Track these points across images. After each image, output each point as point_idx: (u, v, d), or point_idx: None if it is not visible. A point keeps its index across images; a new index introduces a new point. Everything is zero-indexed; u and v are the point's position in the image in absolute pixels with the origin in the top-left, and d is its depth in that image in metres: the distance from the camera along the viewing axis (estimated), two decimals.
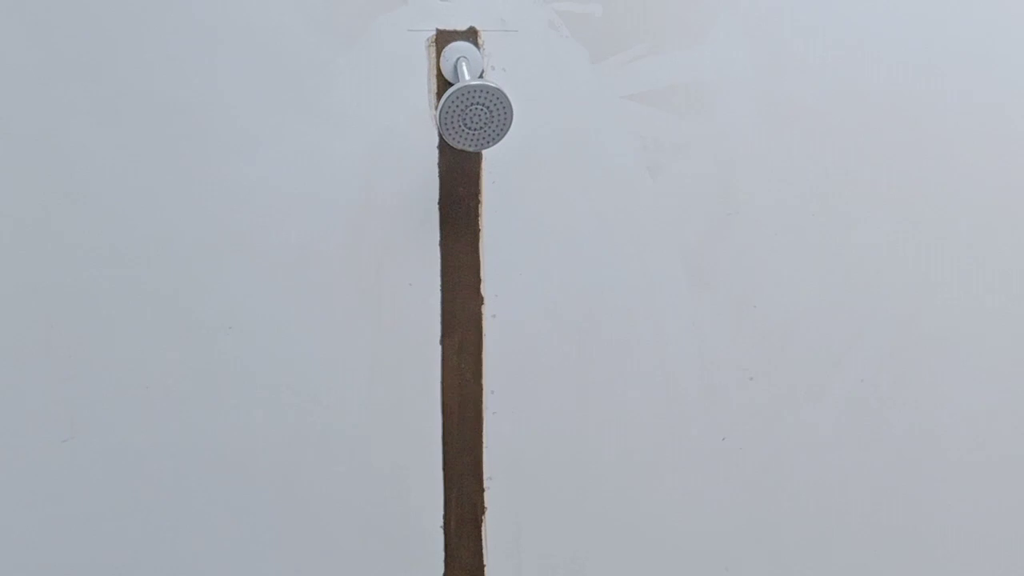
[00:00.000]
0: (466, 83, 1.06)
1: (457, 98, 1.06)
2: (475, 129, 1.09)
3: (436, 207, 1.21)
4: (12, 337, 1.17)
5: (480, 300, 1.22)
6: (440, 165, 1.20)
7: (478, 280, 1.22)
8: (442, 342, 1.22)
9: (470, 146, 1.11)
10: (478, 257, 1.22)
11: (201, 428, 1.21)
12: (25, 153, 1.14)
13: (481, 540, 1.24)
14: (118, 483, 1.20)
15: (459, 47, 1.15)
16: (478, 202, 1.21)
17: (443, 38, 1.15)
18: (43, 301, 1.17)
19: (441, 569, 1.23)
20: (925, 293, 1.26)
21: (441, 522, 1.24)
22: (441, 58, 1.16)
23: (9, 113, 1.13)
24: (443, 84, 1.16)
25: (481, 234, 1.21)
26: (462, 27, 1.15)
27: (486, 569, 1.24)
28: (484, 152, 1.20)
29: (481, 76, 1.17)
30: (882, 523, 1.28)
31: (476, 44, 1.15)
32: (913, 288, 1.26)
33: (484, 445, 1.23)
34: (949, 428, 1.28)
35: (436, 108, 1.13)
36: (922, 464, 1.28)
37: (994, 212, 1.25)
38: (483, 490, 1.24)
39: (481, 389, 1.23)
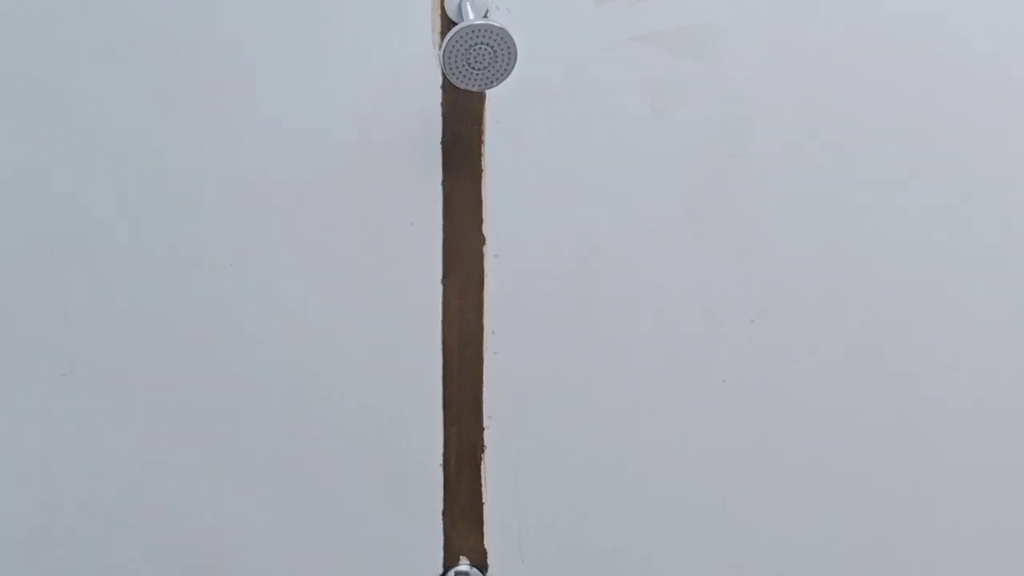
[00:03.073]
0: (470, 22, 1.05)
1: (461, 37, 1.06)
2: (479, 69, 1.09)
3: (439, 146, 1.20)
4: (10, 273, 1.17)
5: (482, 240, 1.22)
6: (443, 104, 1.19)
7: (480, 220, 1.22)
8: (443, 281, 1.22)
9: (473, 86, 1.10)
10: (480, 197, 1.21)
11: (200, 364, 1.21)
12: (21, 92, 1.13)
13: (480, 478, 1.25)
14: (119, 418, 1.21)
15: None
16: (481, 142, 1.21)
17: None
18: (42, 236, 1.17)
19: (440, 506, 1.25)
20: (929, 239, 1.26)
21: (441, 460, 1.24)
22: None
23: (4, 51, 1.12)
24: (447, 23, 1.15)
25: (484, 174, 1.21)
26: None
27: (485, 507, 1.25)
28: (487, 92, 1.19)
29: (486, 15, 1.16)
30: (880, 465, 1.29)
31: None
32: (917, 234, 1.25)
33: (484, 384, 1.24)
34: (950, 373, 1.28)
35: (440, 47, 1.12)
36: (922, 409, 1.28)
37: (1002, 161, 1.25)
38: (483, 429, 1.24)
39: (482, 329, 1.23)
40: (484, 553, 1.25)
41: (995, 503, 1.31)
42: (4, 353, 1.18)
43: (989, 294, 1.27)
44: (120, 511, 1.22)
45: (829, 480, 1.29)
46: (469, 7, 1.12)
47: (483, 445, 1.25)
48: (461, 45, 1.06)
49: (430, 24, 1.15)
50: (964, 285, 1.27)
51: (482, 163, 1.21)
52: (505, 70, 1.09)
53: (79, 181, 1.17)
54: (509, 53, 1.08)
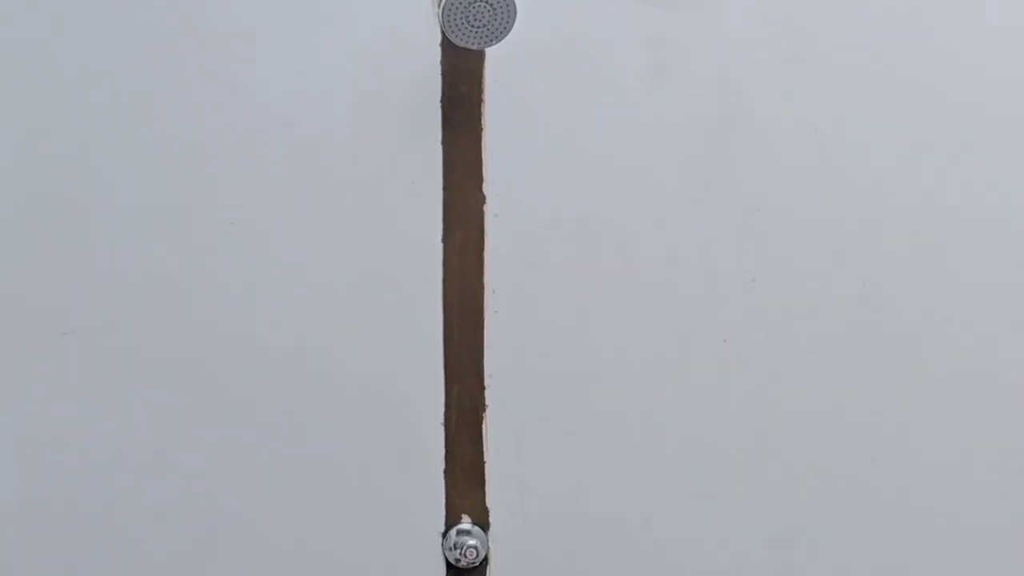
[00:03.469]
0: None
1: None
2: (478, 27, 1.08)
3: (438, 106, 1.20)
4: (12, 231, 1.17)
5: (482, 199, 1.22)
6: (443, 63, 1.19)
7: (480, 179, 1.22)
8: (444, 241, 1.22)
9: (473, 44, 1.10)
10: (480, 156, 1.21)
11: (200, 326, 1.21)
12: (17, 54, 1.13)
13: (481, 437, 1.25)
14: (119, 379, 1.21)
15: None
16: (481, 101, 1.20)
17: None
18: (42, 196, 1.17)
19: (442, 465, 1.25)
20: (931, 199, 1.25)
21: (442, 419, 1.25)
22: None
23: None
24: None
25: (483, 133, 1.21)
26: None
27: (486, 465, 1.25)
28: (487, 50, 1.19)
29: None
30: (881, 429, 1.29)
31: None
32: (919, 194, 1.25)
33: (485, 344, 1.24)
34: (951, 335, 1.28)
35: (439, 5, 1.12)
36: (923, 372, 1.28)
37: (1007, 120, 1.25)
38: (484, 388, 1.25)
39: (482, 288, 1.23)
40: (486, 512, 1.26)
41: (994, 469, 1.31)
42: (4, 312, 1.19)
43: (991, 254, 1.27)
44: (120, 471, 1.22)
45: (830, 443, 1.29)
46: None
47: (484, 404, 1.25)
48: (460, 2, 1.06)
49: None
50: (966, 245, 1.27)
51: (482, 122, 1.21)
52: (504, 28, 1.09)
53: (79, 144, 1.17)
54: (508, 10, 1.08)
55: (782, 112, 1.23)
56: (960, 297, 1.28)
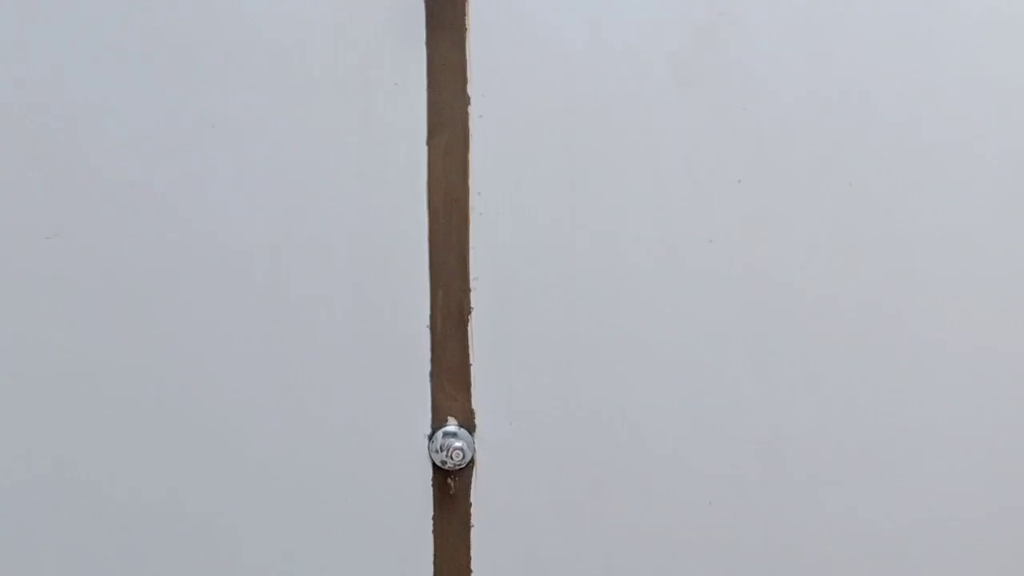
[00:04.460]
0: None
1: None
2: None
3: (422, 4, 1.19)
4: None
5: (467, 100, 1.21)
6: None
7: (465, 80, 1.21)
8: (428, 143, 1.22)
9: None
10: (465, 56, 1.21)
11: (182, 229, 1.21)
12: None
13: (467, 339, 1.25)
14: (103, 281, 1.21)
15: None
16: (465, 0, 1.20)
17: None
18: (23, 102, 1.16)
19: (428, 367, 1.25)
20: (921, 97, 1.25)
21: (428, 322, 1.25)
22: None
23: None
24: None
25: (468, 33, 1.20)
26: None
27: (472, 368, 1.26)
28: None
29: None
30: (870, 323, 1.28)
31: None
32: (908, 92, 1.25)
33: (470, 246, 1.24)
34: (940, 233, 1.27)
35: None
36: (911, 269, 1.27)
37: (1002, 28, 1.24)
38: (469, 290, 1.24)
39: (467, 190, 1.23)
40: (472, 414, 1.26)
41: (985, 371, 1.31)
42: None
43: (983, 152, 1.26)
44: (103, 375, 1.22)
45: (817, 346, 1.29)
46: None
47: (470, 307, 1.25)
48: None
49: None
50: (957, 143, 1.26)
51: (466, 22, 1.20)
52: None
53: (60, 50, 1.16)
54: None
55: (769, 11, 1.22)
56: (950, 194, 1.27)
